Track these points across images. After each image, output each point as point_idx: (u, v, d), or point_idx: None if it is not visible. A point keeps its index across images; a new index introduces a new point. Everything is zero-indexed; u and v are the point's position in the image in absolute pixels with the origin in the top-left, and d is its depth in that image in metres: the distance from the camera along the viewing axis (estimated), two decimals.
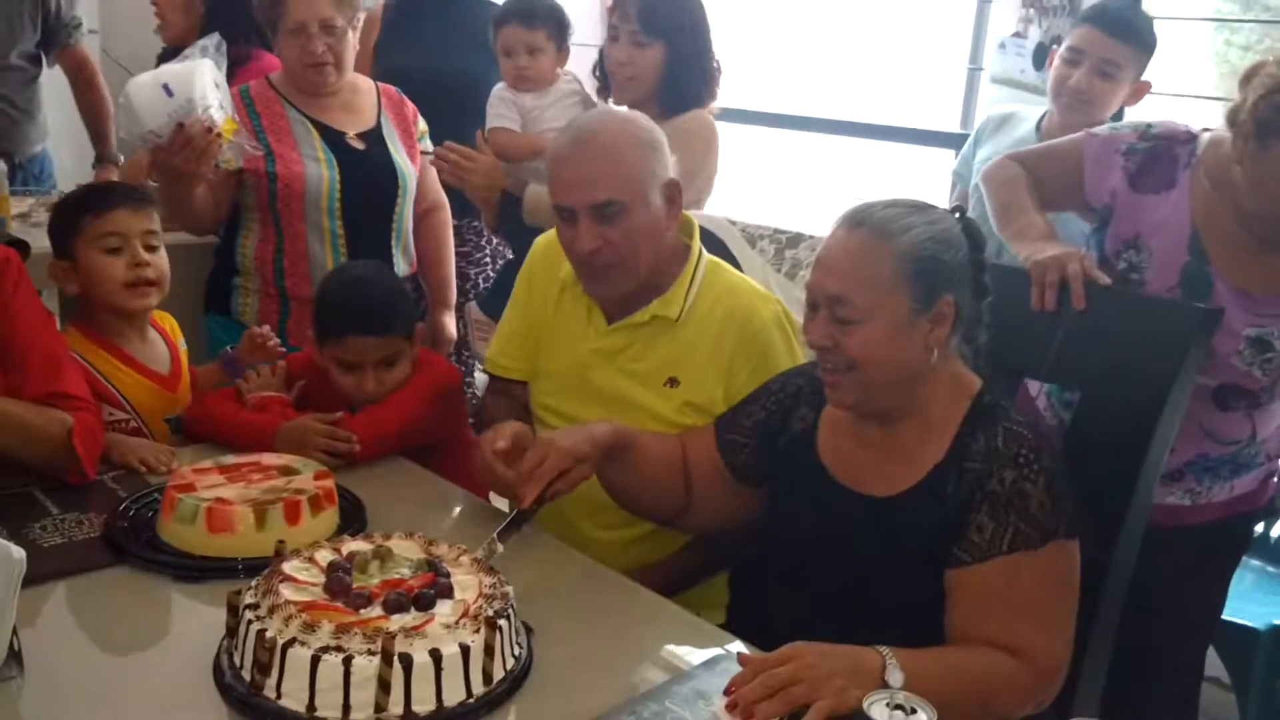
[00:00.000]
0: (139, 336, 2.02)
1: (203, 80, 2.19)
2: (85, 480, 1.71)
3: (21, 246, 2.24)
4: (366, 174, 2.50)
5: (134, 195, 2.01)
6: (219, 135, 2.20)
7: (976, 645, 1.41)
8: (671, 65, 2.45)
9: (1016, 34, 3.13)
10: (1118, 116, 2.49)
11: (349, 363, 1.98)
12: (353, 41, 2.49)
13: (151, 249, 1.97)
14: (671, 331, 1.86)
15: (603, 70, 2.55)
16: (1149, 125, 1.97)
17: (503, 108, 2.58)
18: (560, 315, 1.95)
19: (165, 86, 2.17)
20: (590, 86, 2.66)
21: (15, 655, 1.24)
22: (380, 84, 2.64)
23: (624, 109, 2.00)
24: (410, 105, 2.67)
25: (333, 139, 2.50)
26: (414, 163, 2.61)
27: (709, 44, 2.52)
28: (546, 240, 1.99)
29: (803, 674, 1.24)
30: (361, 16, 2.56)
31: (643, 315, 1.86)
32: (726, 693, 1.24)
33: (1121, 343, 1.79)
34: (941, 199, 2.85)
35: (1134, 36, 2.42)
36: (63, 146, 3.91)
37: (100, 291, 1.94)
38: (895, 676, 1.25)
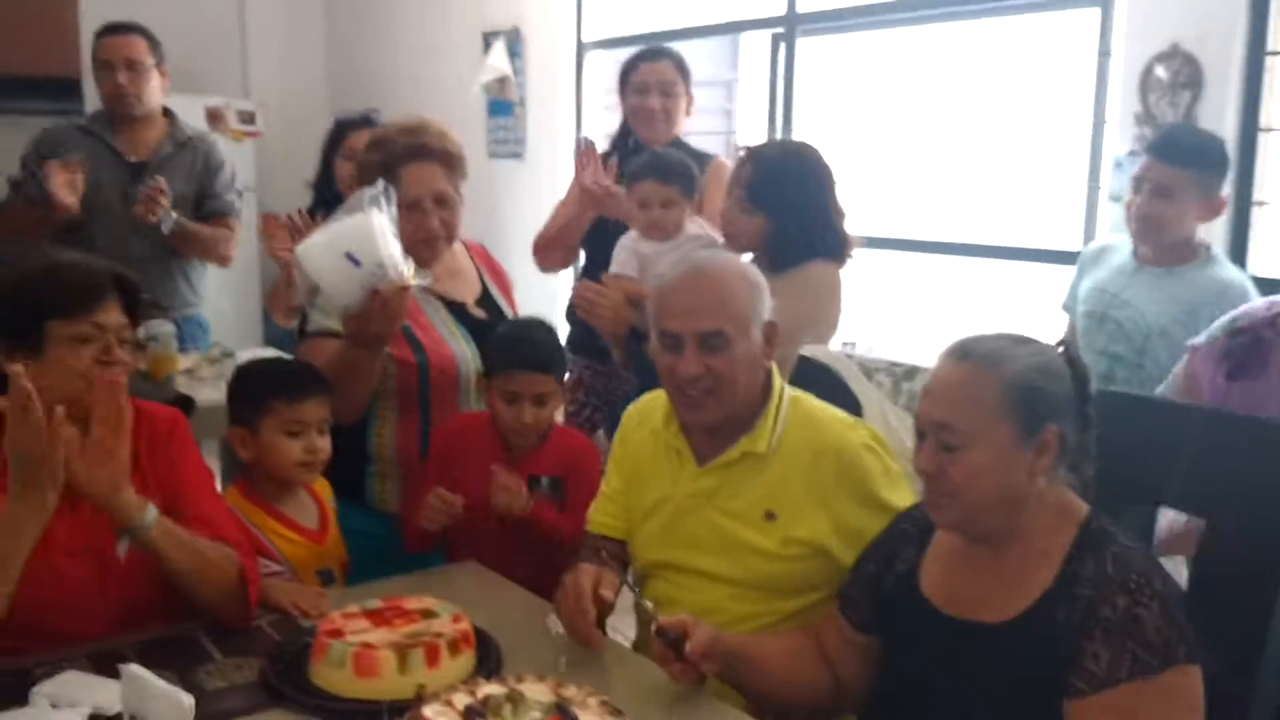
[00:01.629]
0: (293, 497, 2.18)
1: (383, 237, 2.11)
2: (247, 623, 1.83)
3: (187, 403, 2.45)
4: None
5: (323, 386, 2.17)
6: (408, 289, 2.16)
7: None
8: (774, 234, 2.56)
9: (1132, 152, 3.15)
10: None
11: (511, 393, 2.21)
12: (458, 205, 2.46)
13: (322, 433, 2.14)
14: (762, 466, 1.91)
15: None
16: (1234, 319, 2.14)
17: (623, 255, 2.77)
18: (654, 465, 2.01)
19: (350, 256, 2.09)
20: None
21: None
22: (465, 241, 2.62)
23: (734, 255, 2.12)
24: (492, 256, 2.71)
25: (457, 312, 2.48)
26: (515, 310, 2.63)
27: (826, 214, 2.59)
28: (637, 406, 2.12)
29: None
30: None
31: (733, 453, 1.91)
32: None
33: (1249, 468, 1.78)
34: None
35: (1188, 158, 2.53)
36: (223, 299, 4.23)
37: (275, 466, 2.12)
38: None
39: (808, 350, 2.30)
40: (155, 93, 3.56)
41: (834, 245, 2.61)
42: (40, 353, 1.71)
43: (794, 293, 2.44)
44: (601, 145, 3.39)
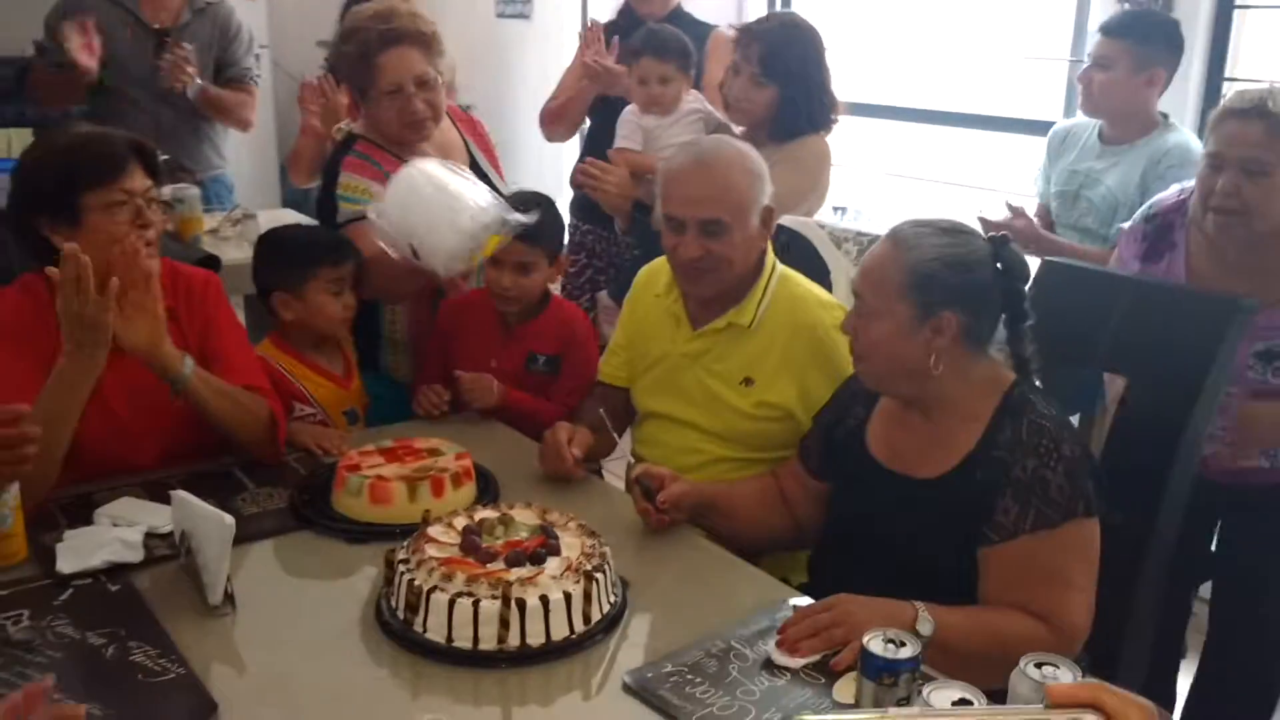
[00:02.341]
0: (321, 348, 2.41)
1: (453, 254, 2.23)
2: (277, 459, 2.08)
3: (213, 262, 2.66)
4: None
5: (353, 250, 2.37)
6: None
7: (1003, 608, 1.62)
8: (783, 104, 2.73)
9: None
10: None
11: (496, 259, 2.34)
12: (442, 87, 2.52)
13: (353, 290, 2.37)
14: (745, 337, 2.12)
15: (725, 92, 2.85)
16: (1150, 206, 2.31)
17: (627, 129, 2.92)
18: (655, 326, 2.24)
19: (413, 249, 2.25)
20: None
21: (229, 597, 1.60)
22: (449, 107, 2.67)
23: (737, 141, 2.27)
24: (479, 121, 2.82)
25: None
26: (502, 177, 2.76)
27: (822, 83, 2.77)
28: (646, 271, 2.32)
29: (842, 619, 1.51)
30: (450, 63, 2.65)
31: (720, 322, 2.12)
32: (779, 632, 1.52)
33: (1163, 332, 1.99)
34: None
35: (1123, 31, 2.69)
36: (243, 161, 4.38)
37: (321, 322, 2.35)
38: (925, 625, 1.50)
39: (785, 219, 2.49)
40: None
41: (826, 115, 2.79)
42: (78, 223, 1.89)
43: (793, 165, 2.68)
44: (608, 15, 3.51)
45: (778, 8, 4.52)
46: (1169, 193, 2.32)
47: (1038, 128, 3.43)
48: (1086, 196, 2.79)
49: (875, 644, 1.30)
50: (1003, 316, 1.74)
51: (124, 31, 3.57)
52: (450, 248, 2.22)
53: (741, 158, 2.09)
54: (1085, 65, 2.77)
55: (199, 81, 3.55)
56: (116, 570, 1.67)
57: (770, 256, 2.17)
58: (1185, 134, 2.74)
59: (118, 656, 1.46)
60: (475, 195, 2.24)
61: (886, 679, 1.28)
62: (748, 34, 2.79)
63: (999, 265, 1.71)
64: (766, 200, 2.09)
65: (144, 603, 1.60)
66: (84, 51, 3.41)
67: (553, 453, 2.05)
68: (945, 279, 1.67)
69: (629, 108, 2.98)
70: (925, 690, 1.19)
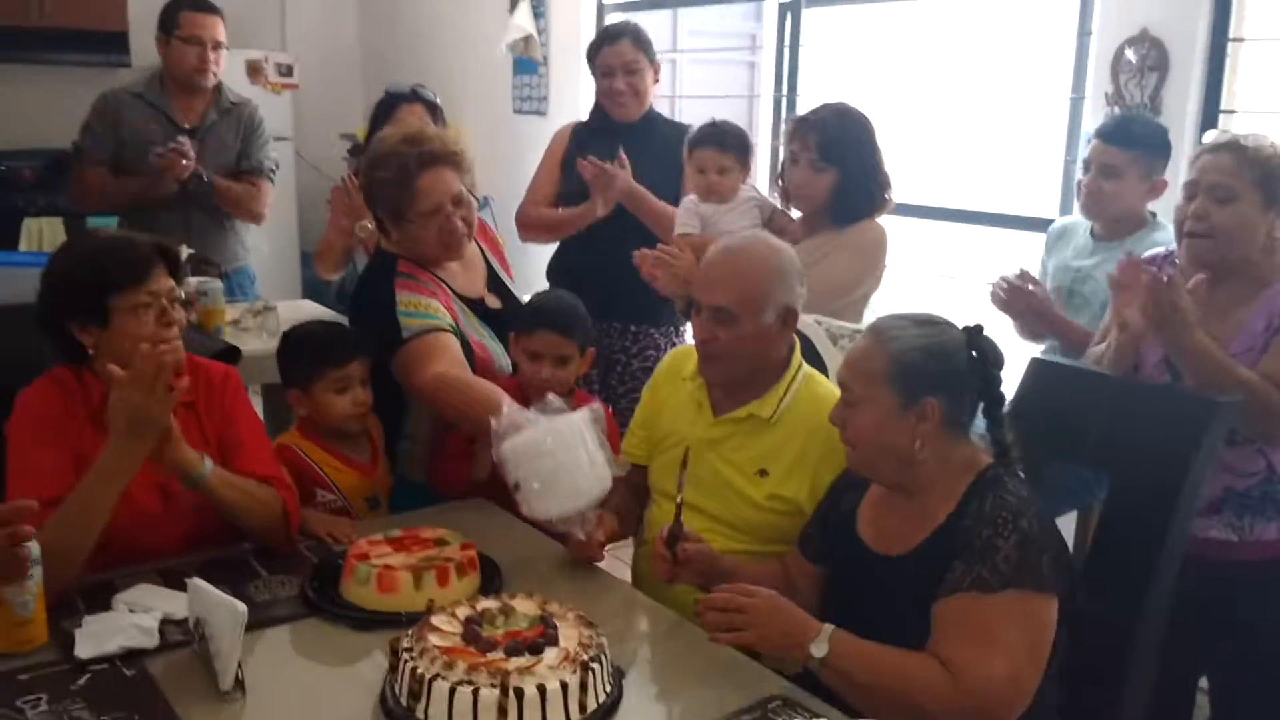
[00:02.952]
0: (347, 435, 2.51)
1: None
2: (291, 548, 2.16)
3: (233, 353, 2.77)
4: (506, 331, 2.64)
5: (363, 348, 2.49)
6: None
7: (922, 654, 1.69)
8: (843, 187, 2.84)
9: None
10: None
11: (534, 352, 2.49)
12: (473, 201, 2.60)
13: (365, 385, 2.48)
14: (765, 429, 2.19)
15: (783, 182, 2.97)
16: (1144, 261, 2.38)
17: (686, 216, 3.03)
18: (678, 409, 2.31)
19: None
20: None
21: (240, 683, 1.66)
22: None
23: (775, 239, 2.33)
24: (489, 227, 2.89)
25: (479, 311, 2.65)
26: (510, 276, 2.83)
27: (877, 165, 2.88)
28: (675, 354, 2.44)
29: (752, 621, 1.68)
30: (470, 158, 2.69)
31: (742, 412, 2.21)
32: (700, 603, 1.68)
33: (1146, 432, 2.06)
34: None
35: (1132, 141, 2.77)
36: (265, 251, 4.52)
37: (328, 419, 2.47)
38: (819, 648, 1.65)
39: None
40: (222, 68, 3.86)
41: (882, 195, 2.90)
42: (107, 324, 2.01)
43: (854, 250, 2.83)
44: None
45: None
46: (1155, 251, 2.46)
47: (1036, 224, 3.54)
48: (1080, 292, 2.88)
49: None
50: (980, 404, 1.83)
51: (156, 131, 3.73)
52: (562, 509, 2.12)
53: (771, 256, 2.18)
54: (1088, 172, 2.83)
55: (201, 171, 3.67)
56: (132, 655, 1.74)
57: (798, 358, 2.26)
58: (1171, 232, 2.84)
59: None
60: (608, 468, 2.18)
61: None
62: (804, 124, 2.89)
63: (974, 353, 1.82)
64: (790, 300, 2.17)
65: (157, 687, 1.67)
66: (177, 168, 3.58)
67: (579, 541, 2.12)
68: (925, 367, 1.78)
69: (689, 196, 3.09)
70: None
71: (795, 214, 3.00)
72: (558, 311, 2.54)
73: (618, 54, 3.41)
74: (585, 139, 3.50)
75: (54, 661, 1.72)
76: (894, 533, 1.87)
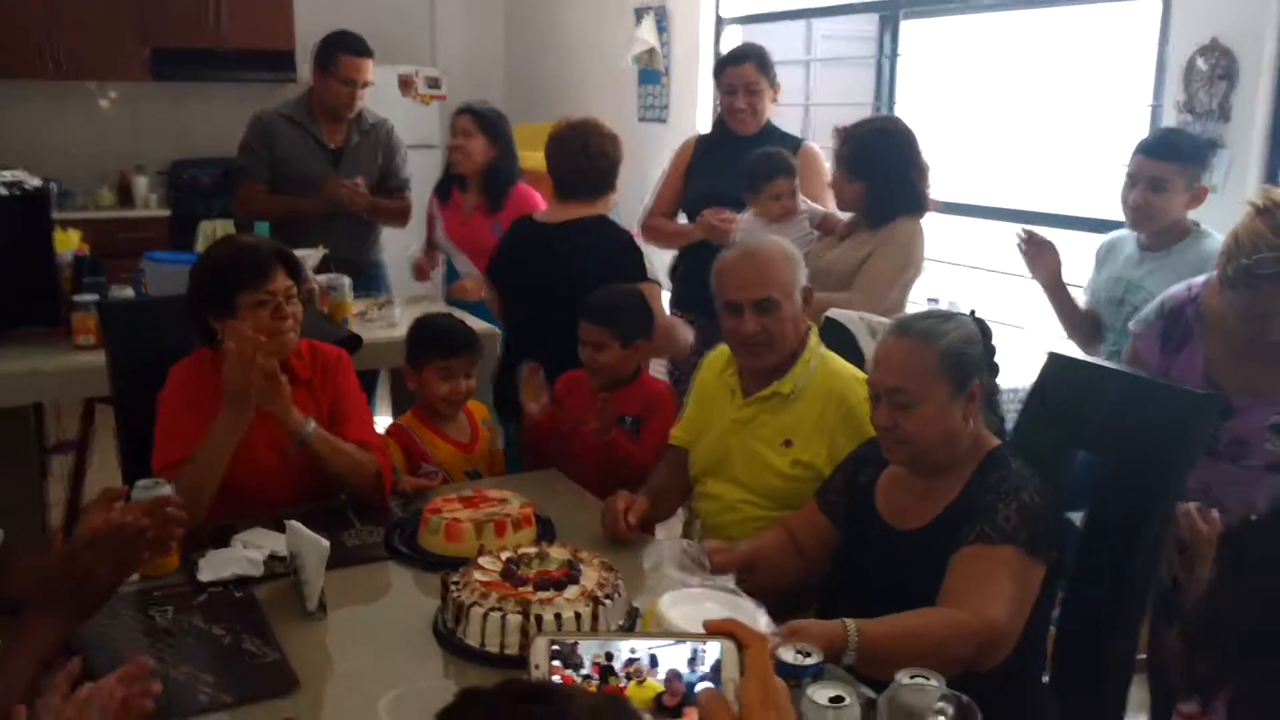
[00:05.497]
0: (451, 417, 2.90)
1: None
2: (383, 505, 2.51)
3: (354, 341, 3.17)
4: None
5: (472, 346, 2.89)
6: None
7: (934, 608, 1.86)
8: (871, 196, 3.16)
9: None
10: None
11: (580, 339, 2.86)
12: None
13: (469, 377, 2.86)
14: (787, 404, 2.46)
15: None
16: (1163, 303, 2.55)
17: (745, 225, 3.39)
18: (713, 397, 2.61)
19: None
20: None
21: (323, 605, 2.02)
22: None
23: (773, 236, 2.64)
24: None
25: None
26: None
27: (910, 176, 3.15)
28: (710, 354, 2.70)
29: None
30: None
31: (767, 391, 2.48)
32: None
33: (1144, 421, 2.22)
34: None
35: (1175, 154, 2.89)
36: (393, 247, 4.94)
37: (428, 398, 2.86)
38: (849, 657, 1.72)
39: (832, 313, 2.84)
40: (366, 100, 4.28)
41: (916, 201, 3.19)
42: (233, 315, 2.40)
43: (889, 246, 3.14)
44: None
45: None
46: (1178, 288, 2.56)
47: (1106, 226, 3.65)
48: (1131, 302, 2.99)
49: (787, 654, 1.60)
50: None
51: (306, 151, 4.17)
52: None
53: (779, 247, 2.49)
54: (1133, 187, 2.94)
55: (370, 196, 4.15)
56: (243, 581, 2.12)
57: (815, 336, 2.52)
58: (1217, 239, 2.94)
59: (232, 644, 1.90)
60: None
61: (791, 682, 1.58)
62: (842, 136, 3.22)
63: (981, 333, 2.07)
64: (804, 281, 2.47)
65: (259, 607, 2.04)
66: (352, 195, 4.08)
67: (611, 519, 2.39)
68: (967, 353, 2.02)
69: (746, 216, 3.45)
70: (810, 690, 1.50)
71: (843, 216, 3.34)
72: (599, 303, 2.86)
73: (741, 75, 3.70)
74: (705, 151, 3.84)
75: (181, 584, 2.12)
76: (910, 509, 2.08)
